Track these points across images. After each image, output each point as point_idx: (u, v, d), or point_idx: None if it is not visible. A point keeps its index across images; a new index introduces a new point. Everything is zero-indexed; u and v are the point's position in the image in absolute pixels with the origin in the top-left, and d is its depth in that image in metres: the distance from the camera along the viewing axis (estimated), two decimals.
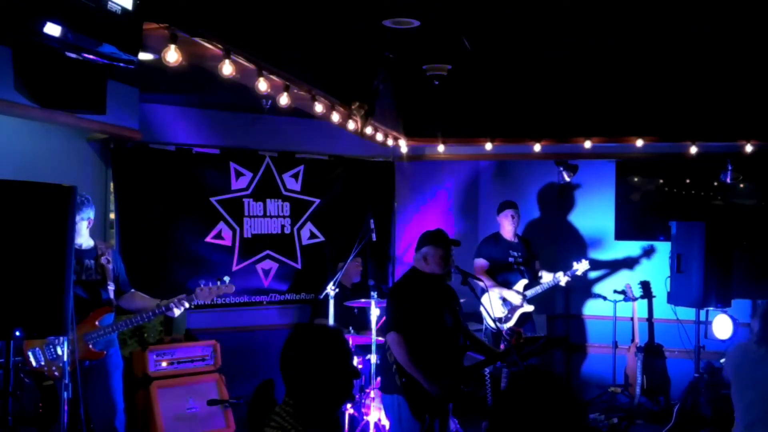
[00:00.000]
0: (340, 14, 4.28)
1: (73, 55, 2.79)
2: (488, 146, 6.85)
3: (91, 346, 4.27)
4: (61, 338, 3.88)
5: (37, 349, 4.12)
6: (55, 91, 3.68)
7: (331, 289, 5.47)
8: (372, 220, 5.79)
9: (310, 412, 2.32)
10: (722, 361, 6.31)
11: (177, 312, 4.48)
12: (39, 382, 4.13)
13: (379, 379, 5.26)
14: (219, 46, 3.64)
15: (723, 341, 6.32)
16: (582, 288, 7.35)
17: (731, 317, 6.25)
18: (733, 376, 3.88)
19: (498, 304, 6.38)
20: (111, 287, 4.47)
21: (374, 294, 5.46)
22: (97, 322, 4.33)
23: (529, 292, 6.41)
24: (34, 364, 4.10)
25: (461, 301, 4.33)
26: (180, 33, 3.34)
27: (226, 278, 4.73)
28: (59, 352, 4.11)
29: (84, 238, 4.43)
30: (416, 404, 3.96)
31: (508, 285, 6.43)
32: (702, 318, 6.28)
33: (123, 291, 4.59)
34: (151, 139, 5.94)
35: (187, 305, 4.51)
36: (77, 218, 4.15)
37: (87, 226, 4.42)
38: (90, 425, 4.22)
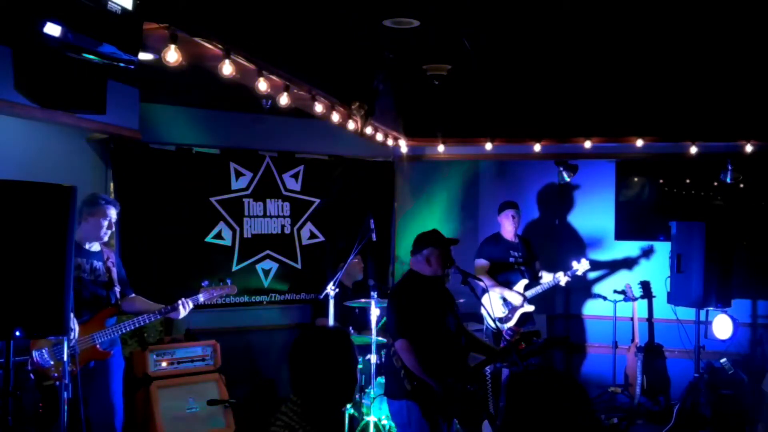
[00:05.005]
0: (339, 14, 4.28)
1: (73, 55, 2.79)
2: (488, 146, 6.85)
3: (98, 346, 4.29)
4: (72, 338, 3.92)
5: (44, 350, 4.10)
6: (55, 91, 3.67)
7: (331, 289, 5.46)
8: (372, 220, 5.78)
9: (315, 411, 2.34)
10: (722, 360, 6.33)
11: (183, 312, 4.51)
12: (39, 382, 4.12)
13: (377, 380, 5.26)
14: (219, 46, 3.64)
15: (723, 341, 6.33)
16: (582, 288, 7.36)
17: (731, 317, 6.25)
18: None
19: (498, 304, 6.38)
20: (117, 289, 4.51)
21: (374, 294, 5.45)
22: (104, 323, 4.36)
23: (530, 292, 6.40)
24: (41, 364, 4.09)
25: (460, 301, 4.33)
26: (180, 33, 3.34)
27: (229, 280, 4.79)
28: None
29: None
30: (428, 407, 3.94)
31: (509, 285, 6.42)
32: (702, 318, 6.28)
33: (124, 294, 4.60)
34: (151, 139, 5.94)
35: (191, 305, 4.54)
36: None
37: None
38: (90, 426, 4.22)
